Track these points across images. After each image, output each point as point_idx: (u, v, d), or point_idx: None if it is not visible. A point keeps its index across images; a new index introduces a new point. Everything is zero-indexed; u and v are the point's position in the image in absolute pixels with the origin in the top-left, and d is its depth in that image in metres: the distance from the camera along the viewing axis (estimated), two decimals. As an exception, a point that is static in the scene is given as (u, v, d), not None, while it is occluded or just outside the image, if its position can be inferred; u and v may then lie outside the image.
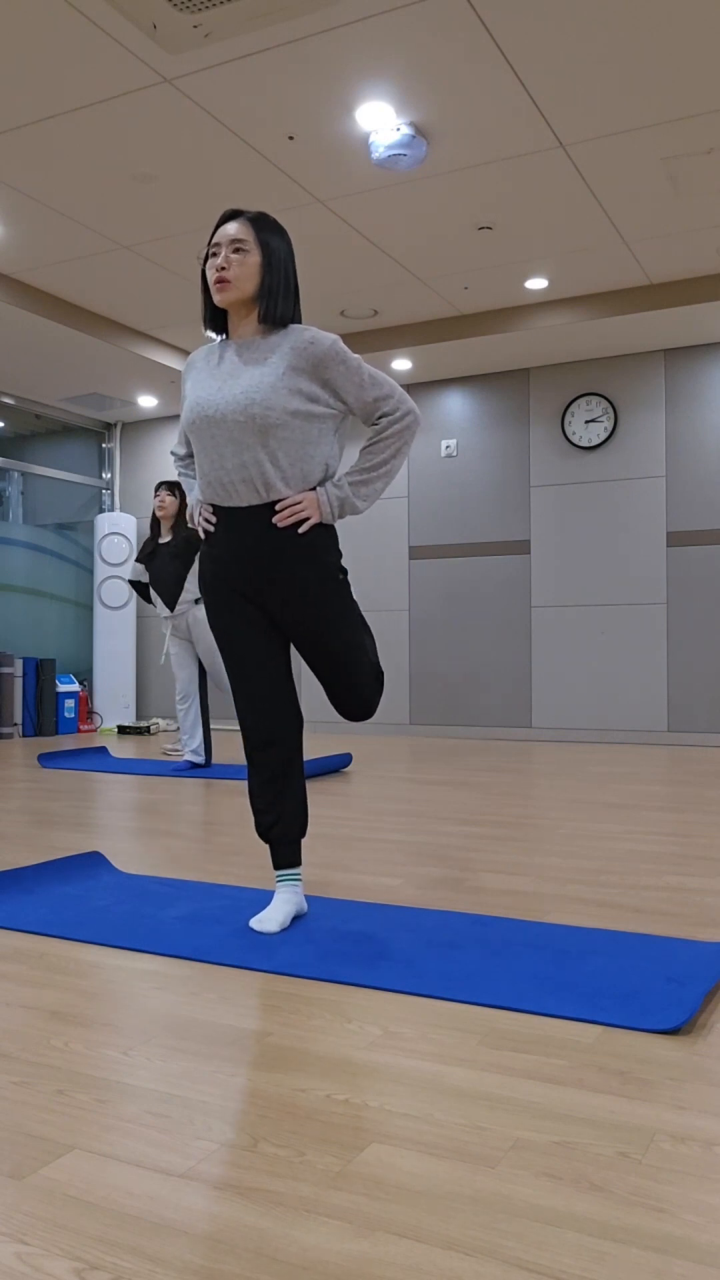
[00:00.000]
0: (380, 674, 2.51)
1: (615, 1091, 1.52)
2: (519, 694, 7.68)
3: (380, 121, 4.42)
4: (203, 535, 2.43)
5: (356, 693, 2.46)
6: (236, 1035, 1.74)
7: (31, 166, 4.81)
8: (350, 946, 2.24)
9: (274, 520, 2.31)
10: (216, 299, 2.32)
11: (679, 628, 7.18)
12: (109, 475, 9.41)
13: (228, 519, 2.35)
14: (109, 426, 9.39)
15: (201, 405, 2.32)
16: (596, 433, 7.42)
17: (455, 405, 7.93)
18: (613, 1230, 1.15)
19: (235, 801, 4.52)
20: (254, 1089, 1.53)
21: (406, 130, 4.46)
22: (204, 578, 2.44)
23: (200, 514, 2.42)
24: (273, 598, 2.35)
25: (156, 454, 9.22)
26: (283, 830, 2.46)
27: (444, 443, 7.95)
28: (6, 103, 4.23)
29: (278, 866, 2.49)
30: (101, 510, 9.41)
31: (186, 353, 7.73)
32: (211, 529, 2.39)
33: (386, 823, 3.89)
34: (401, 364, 7.53)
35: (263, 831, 2.47)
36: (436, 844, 3.46)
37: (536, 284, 6.36)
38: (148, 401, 8.56)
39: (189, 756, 5.65)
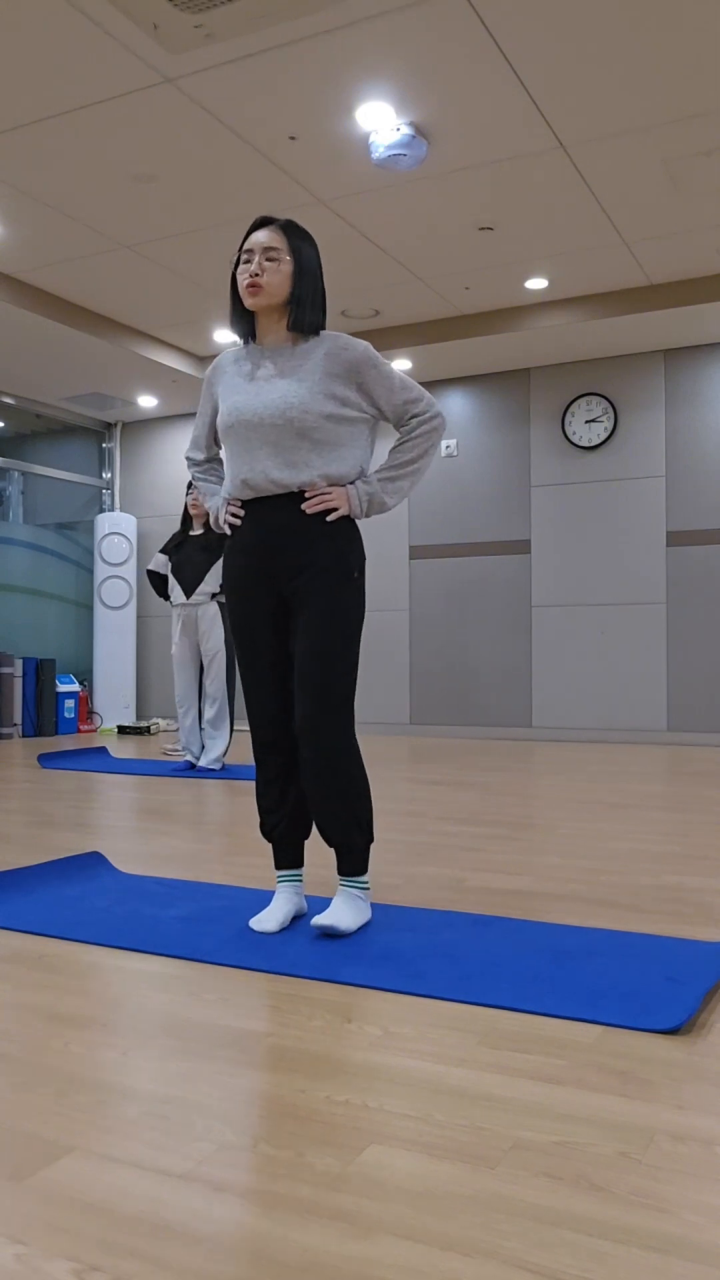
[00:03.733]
0: (339, 711, 2.34)
1: (615, 1091, 1.52)
2: (519, 694, 7.68)
3: (380, 121, 4.42)
4: (229, 530, 2.46)
5: (302, 701, 2.34)
6: (236, 1036, 1.74)
7: (31, 166, 4.81)
8: (350, 946, 2.24)
9: (302, 507, 2.34)
10: (247, 303, 2.36)
11: (679, 628, 7.18)
12: (109, 475, 9.41)
13: (256, 508, 2.39)
14: (109, 426, 9.39)
15: (239, 410, 2.36)
16: (596, 433, 7.42)
17: (455, 405, 7.93)
18: (613, 1230, 1.15)
19: (235, 801, 4.51)
20: (254, 1090, 1.53)
21: (406, 130, 4.46)
22: (227, 571, 2.46)
23: (227, 510, 2.44)
24: (290, 581, 2.37)
25: (157, 454, 9.22)
26: (285, 831, 2.46)
27: (445, 443, 7.95)
28: (6, 103, 4.23)
29: (279, 866, 2.49)
30: (102, 510, 9.41)
31: (187, 353, 7.73)
32: (238, 523, 2.42)
33: (386, 823, 3.88)
34: (402, 364, 7.52)
35: (266, 831, 2.48)
36: (437, 844, 3.46)
37: (536, 284, 6.36)
38: (148, 401, 8.56)
39: (206, 764, 5.59)
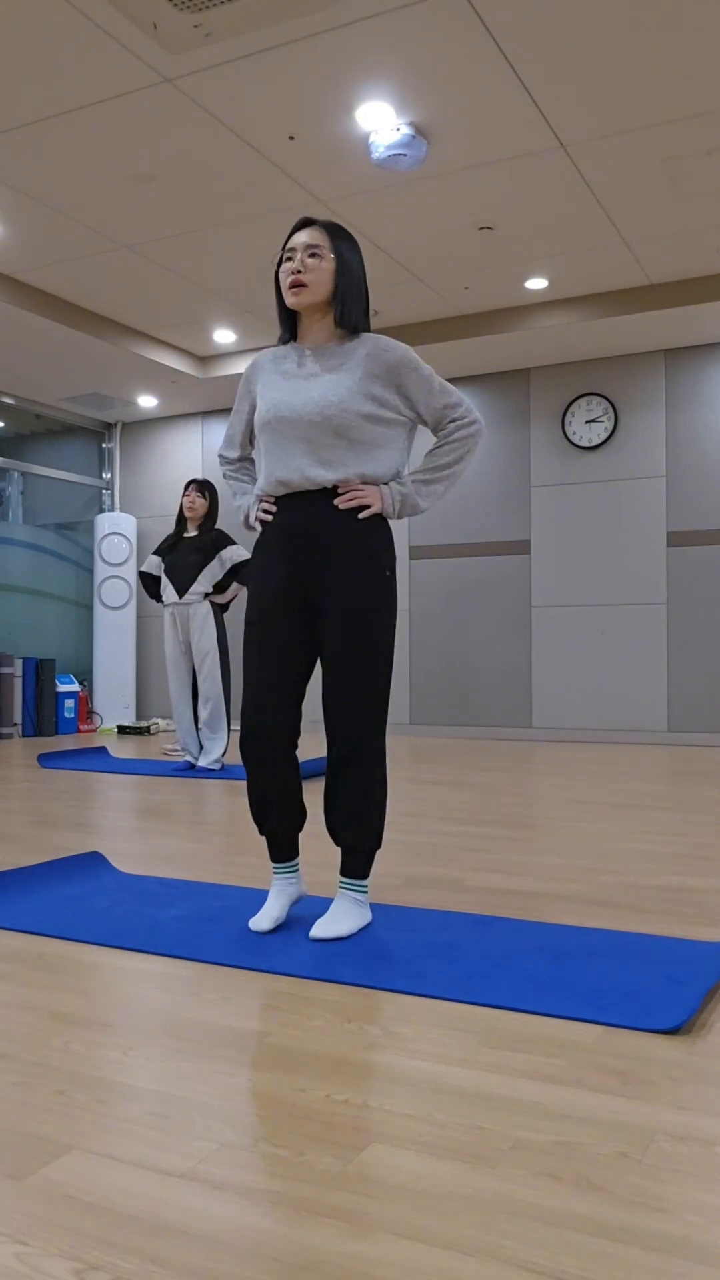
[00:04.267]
0: (380, 718, 2.36)
1: (615, 1091, 1.52)
2: (519, 694, 7.68)
3: (380, 121, 4.42)
4: (259, 527, 2.46)
5: (342, 704, 2.34)
6: (236, 1035, 1.74)
7: (31, 166, 4.81)
8: (350, 946, 2.24)
9: (335, 502, 2.34)
10: (290, 302, 2.37)
11: (679, 628, 7.18)
12: (109, 475, 9.41)
13: (289, 503, 2.39)
14: (109, 426, 9.39)
15: (277, 407, 2.37)
16: (597, 433, 7.42)
17: (455, 405, 7.92)
18: (613, 1230, 1.15)
19: (235, 801, 4.51)
20: (254, 1089, 1.53)
21: (406, 130, 4.46)
22: (255, 563, 2.46)
23: (259, 507, 2.45)
24: (318, 576, 2.36)
25: (157, 454, 9.22)
26: (282, 824, 2.46)
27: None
28: (6, 103, 4.23)
29: (275, 860, 2.50)
30: (101, 510, 9.41)
31: (187, 353, 7.73)
32: (269, 519, 2.42)
33: (387, 823, 3.88)
34: (401, 364, 7.52)
35: (260, 826, 2.49)
36: (437, 844, 3.46)
37: (536, 284, 6.36)
38: (148, 402, 8.56)
39: (205, 764, 5.58)
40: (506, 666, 7.72)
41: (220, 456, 2.65)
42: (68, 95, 4.18)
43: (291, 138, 4.55)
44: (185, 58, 3.92)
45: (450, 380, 7.94)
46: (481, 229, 5.55)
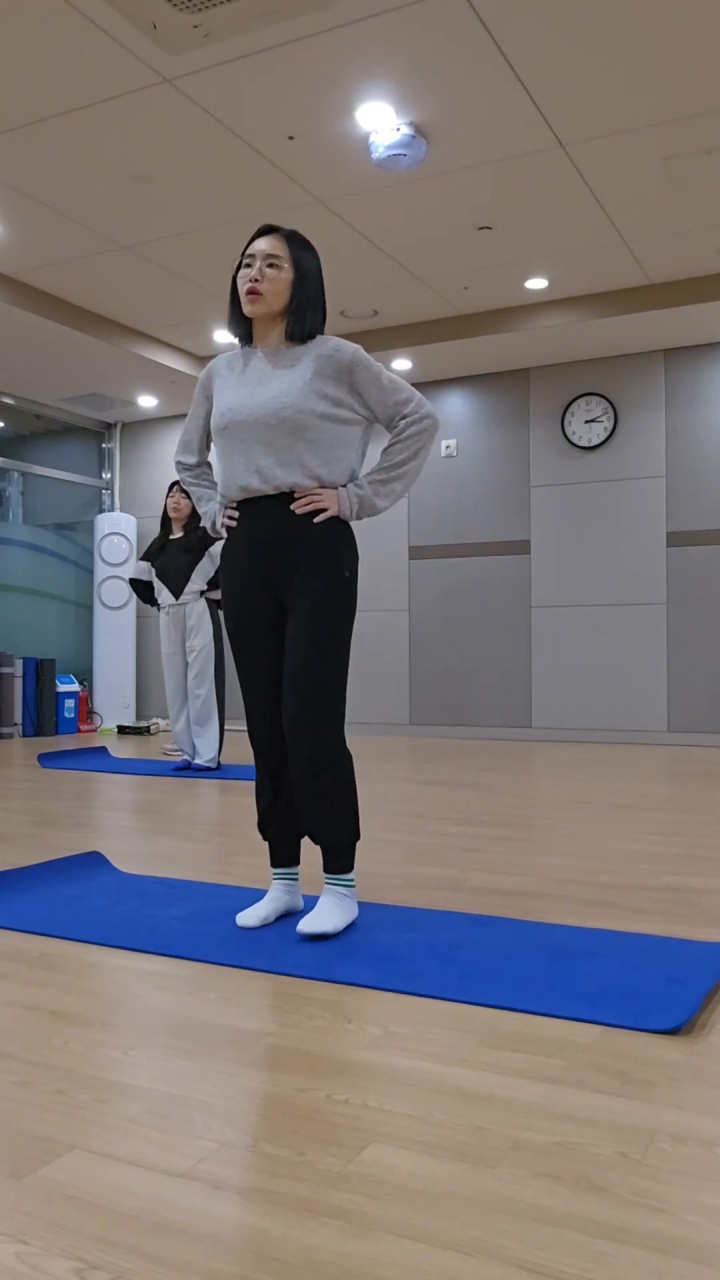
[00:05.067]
0: (327, 710, 2.34)
1: (615, 1091, 1.52)
2: (519, 694, 7.68)
3: (380, 121, 4.42)
4: (225, 533, 2.48)
5: (291, 700, 2.33)
6: (236, 1035, 1.74)
7: (31, 166, 4.81)
8: (350, 946, 2.24)
9: (291, 507, 2.36)
10: (246, 309, 2.38)
11: (679, 628, 7.18)
12: (109, 475, 9.41)
13: (250, 509, 2.40)
14: (109, 426, 9.39)
15: (233, 410, 2.38)
16: (596, 433, 7.42)
17: (455, 405, 7.93)
18: (613, 1230, 1.15)
19: (234, 801, 4.51)
20: (254, 1089, 1.53)
21: (406, 130, 4.46)
22: (224, 573, 2.48)
23: (223, 515, 2.46)
24: (284, 581, 2.38)
25: (156, 454, 9.22)
26: (280, 829, 2.48)
27: (444, 443, 7.95)
28: (6, 103, 4.23)
29: (274, 864, 2.51)
30: (101, 510, 9.41)
31: (187, 353, 7.73)
32: (234, 524, 2.43)
33: (386, 823, 3.89)
34: (401, 364, 7.53)
35: (262, 828, 2.50)
36: (436, 844, 3.46)
37: (536, 284, 6.36)
38: (148, 401, 8.56)
39: (201, 763, 5.59)
40: (506, 667, 7.72)
41: (178, 463, 2.64)
42: (68, 95, 4.18)
43: (291, 138, 4.55)
44: (185, 58, 3.92)
45: (449, 381, 7.95)
46: (481, 229, 5.55)
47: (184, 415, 9.05)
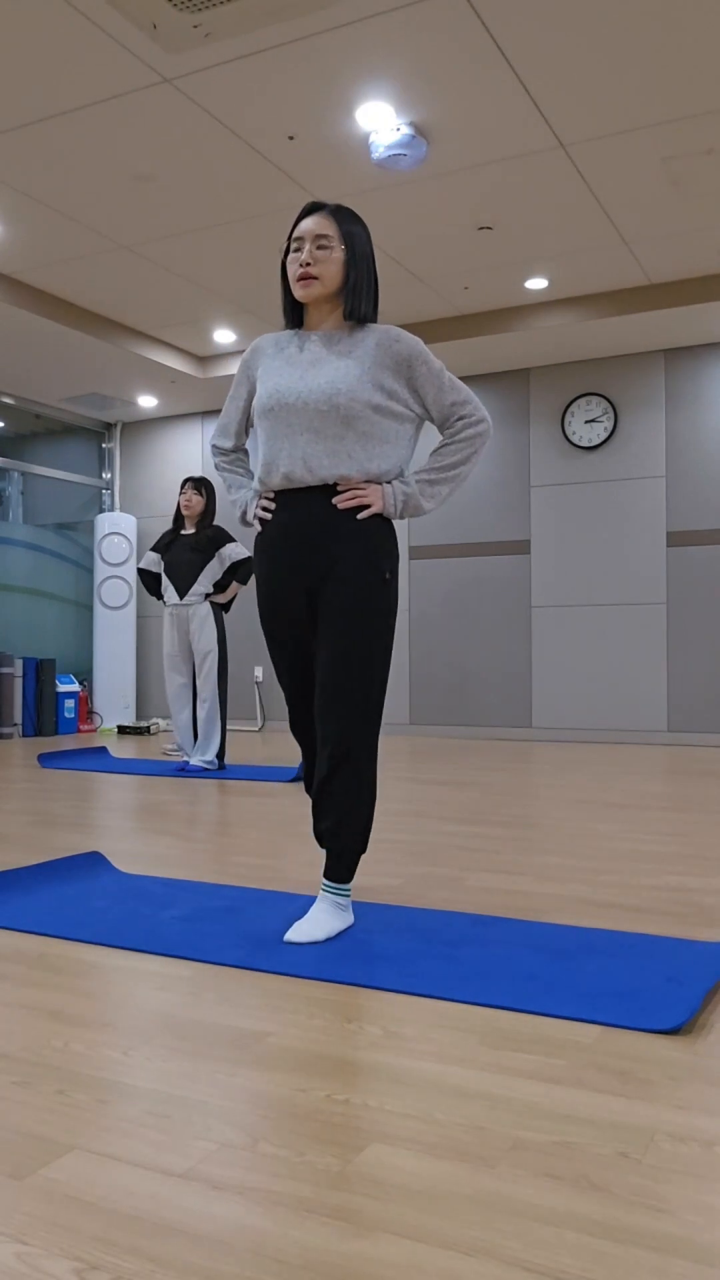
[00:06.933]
0: (371, 720, 2.28)
1: (615, 1091, 1.52)
2: (519, 694, 7.68)
3: (380, 121, 4.42)
4: (259, 525, 2.38)
5: (334, 706, 2.26)
6: (236, 1035, 1.74)
7: (31, 166, 4.81)
8: (350, 946, 2.24)
9: (333, 500, 2.27)
10: (299, 295, 2.28)
11: (679, 628, 7.18)
12: (109, 475, 9.41)
13: (289, 499, 2.30)
14: (109, 426, 9.39)
15: (281, 392, 2.28)
16: (596, 433, 7.42)
17: (455, 405, 7.92)
18: (613, 1230, 1.15)
19: (235, 801, 4.51)
20: (254, 1089, 1.53)
21: (406, 130, 4.46)
22: (257, 564, 2.38)
23: (258, 504, 2.36)
24: (319, 576, 2.28)
25: (157, 454, 9.22)
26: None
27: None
28: (6, 103, 4.23)
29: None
30: (101, 510, 9.41)
31: (187, 353, 7.73)
32: (269, 517, 2.34)
33: (386, 823, 3.88)
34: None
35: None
36: (437, 844, 3.46)
37: (536, 284, 6.36)
38: (148, 401, 8.56)
39: (199, 763, 5.57)
40: (506, 666, 7.72)
41: (214, 447, 2.53)
42: (68, 95, 4.18)
43: (291, 138, 4.55)
44: (185, 58, 3.92)
45: (450, 380, 7.94)
46: (481, 229, 5.55)
47: (184, 415, 9.05)
